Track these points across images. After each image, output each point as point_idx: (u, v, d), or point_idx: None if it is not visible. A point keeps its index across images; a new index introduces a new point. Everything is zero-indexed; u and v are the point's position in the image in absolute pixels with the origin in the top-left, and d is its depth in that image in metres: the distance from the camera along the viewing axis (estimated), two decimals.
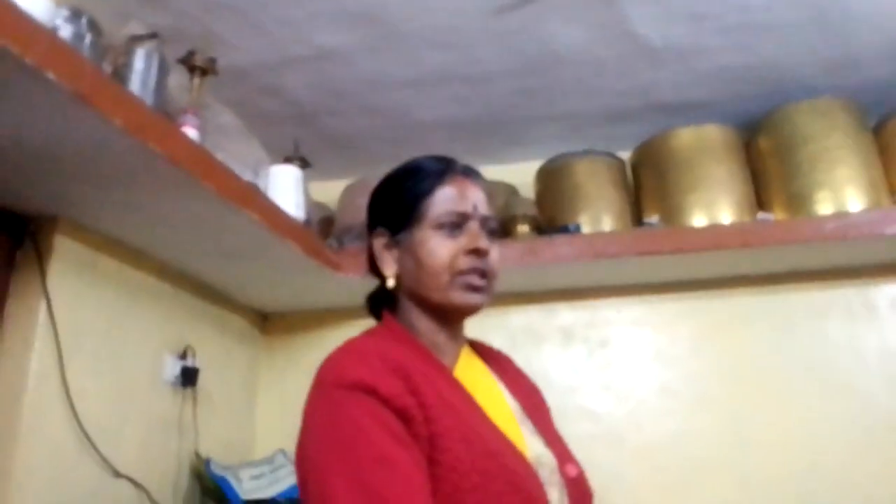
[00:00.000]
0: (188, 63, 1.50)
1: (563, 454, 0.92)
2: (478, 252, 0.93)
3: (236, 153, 1.58)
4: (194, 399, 1.65)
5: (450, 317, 0.96)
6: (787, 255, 1.74)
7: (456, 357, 0.97)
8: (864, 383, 1.78)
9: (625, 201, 1.96)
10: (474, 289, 0.93)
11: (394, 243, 0.97)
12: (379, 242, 0.98)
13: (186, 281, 1.71)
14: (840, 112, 1.79)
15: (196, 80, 1.50)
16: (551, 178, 2.01)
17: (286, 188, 1.62)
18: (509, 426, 0.90)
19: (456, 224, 0.94)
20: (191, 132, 1.35)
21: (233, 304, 1.92)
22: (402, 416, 0.80)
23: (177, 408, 1.61)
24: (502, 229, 1.94)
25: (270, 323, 2.10)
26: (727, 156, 1.86)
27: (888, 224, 1.64)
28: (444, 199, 0.94)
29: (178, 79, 1.51)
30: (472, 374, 0.96)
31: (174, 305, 1.66)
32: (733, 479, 1.75)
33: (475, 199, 0.96)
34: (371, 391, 0.80)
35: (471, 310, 0.95)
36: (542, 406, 1.04)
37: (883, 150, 1.81)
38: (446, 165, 0.98)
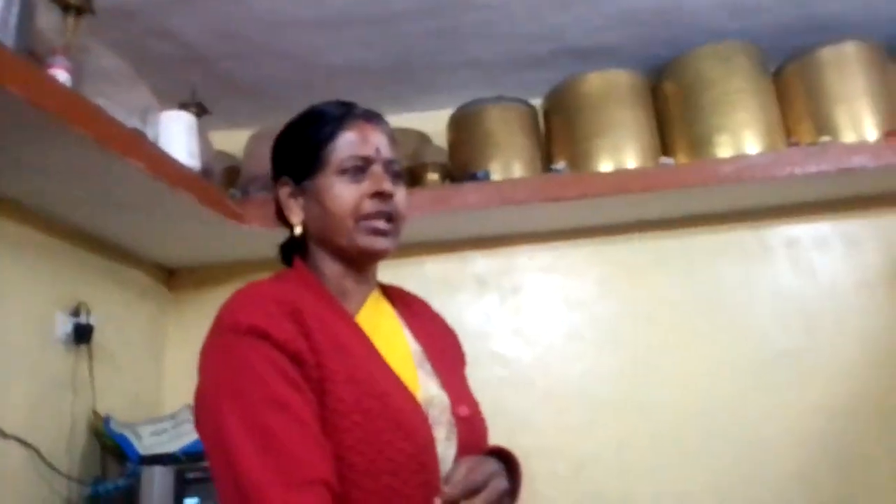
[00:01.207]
0: (60, 1, 1.39)
1: (458, 395, 0.94)
2: (382, 195, 0.93)
3: (120, 99, 1.49)
4: (90, 356, 1.59)
5: (357, 261, 0.96)
6: (687, 198, 1.78)
7: (362, 302, 0.97)
8: (758, 322, 1.86)
9: (535, 148, 1.96)
10: (380, 232, 0.93)
11: (299, 191, 0.97)
12: (284, 191, 0.98)
13: (78, 236, 1.64)
14: (741, 56, 1.81)
15: (70, 20, 1.40)
16: (463, 126, 1.98)
17: (178, 135, 1.54)
18: (405, 368, 0.91)
19: (359, 168, 0.93)
20: (61, 75, 1.26)
21: (133, 258, 1.85)
22: (296, 359, 0.82)
23: (70, 366, 1.55)
24: (413, 177, 1.92)
25: (177, 278, 2.03)
26: (634, 101, 1.87)
27: (782, 166, 1.69)
28: (346, 143, 0.94)
29: (54, 20, 1.41)
30: (375, 317, 0.97)
31: (65, 261, 1.59)
32: (635, 417, 1.83)
33: (377, 143, 0.95)
34: (265, 335, 0.81)
35: (377, 254, 0.96)
36: (451, 350, 1.06)
37: (781, 95, 1.85)
38: (347, 110, 0.97)
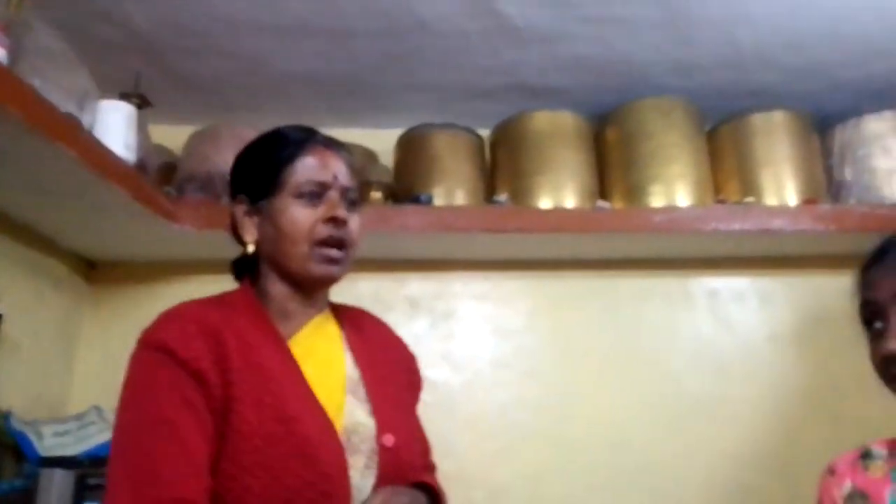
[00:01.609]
0: None
1: (387, 424, 0.94)
2: (336, 221, 0.95)
3: (58, 81, 1.43)
4: None
5: (306, 286, 0.97)
6: (619, 242, 1.85)
7: (304, 324, 0.98)
8: (676, 367, 1.94)
9: (479, 178, 1.99)
10: (332, 261, 0.95)
11: (254, 210, 0.99)
12: (240, 209, 1.00)
13: None
14: (680, 112, 1.91)
15: None
16: (410, 148, 2.00)
17: (116, 126, 1.49)
18: (332, 394, 0.92)
19: (316, 193, 0.96)
20: None
21: (51, 247, 1.75)
22: (198, 378, 0.84)
23: None
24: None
25: (98, 271, 1.94)
26: (577, 143, 1.93)
27: (708, 221, 1.78)
28: (305, 168, 0.96)
29: None
30: (313, 341, 0.98)
31: None
32: (552, 447, 1.86)
33: (336, 170, 0.98)
34: (170, 353, 0.84)
35: (328, 282, 0.98)
36: (398, 377, 1.06)
37: (713, 153, 1.96)
38: (309, 135, 1.01)
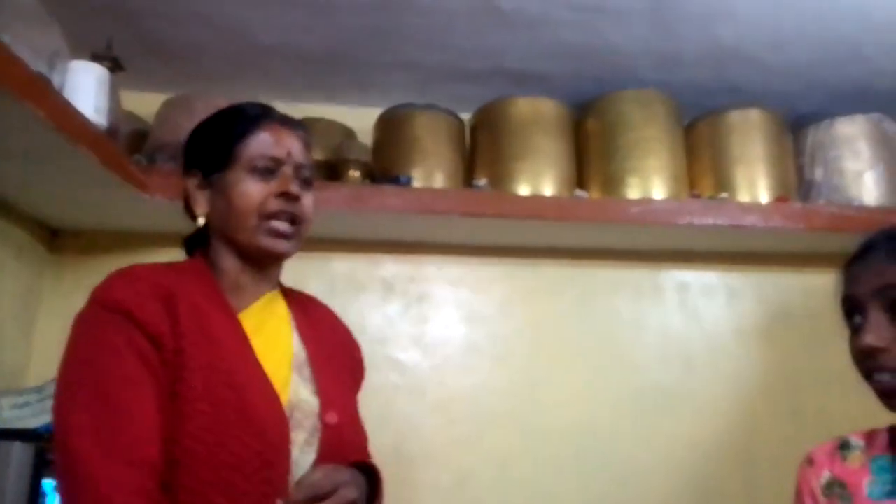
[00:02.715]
0: None
1: (330, 403, 0.94)
2: (288, 195, 0.95)
3: (28, 39, 1.37)
4: None
5: (255, 260, 0.98)
6: (595, 232, 1.86)
7: (254, 299, 0.98)
8: (643, 358, 1.96)
9: (459, 161, 1.98)
10: (281, 235, 0.96)
11: (206, 184, 0.99)
12: (192, 182, 1.00)
13: None
14: (660, 105, 1.92)
15: None
16: (390, 127, 1.97)
17: (86, 88, 1.43)
18: (279, 369, 0.92)
19: (269, 169, 0.96)
20: None
21: (12, 213, 1.68)
22: (155, 342, 0.84)
23: None
24: (334, 172, 1.88)
25: (61, 239, 1.87)
26: (557, 131, 1.93)
27: (682, 215, 1.80)
28: (259, 143, 0.97)
29: None
30: (263, 316, 0.98)
31: None
32: (519, 432, 1.87)
33: (291, 147, 0.98)
34: (129, 314, 0.84)
35: (276, 255, 0.98)
36: (342, 361, 1.07)
37: (690, 148, 1.98)
38: (265, 111, 1.01)
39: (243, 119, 0.99)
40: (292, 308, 1.04)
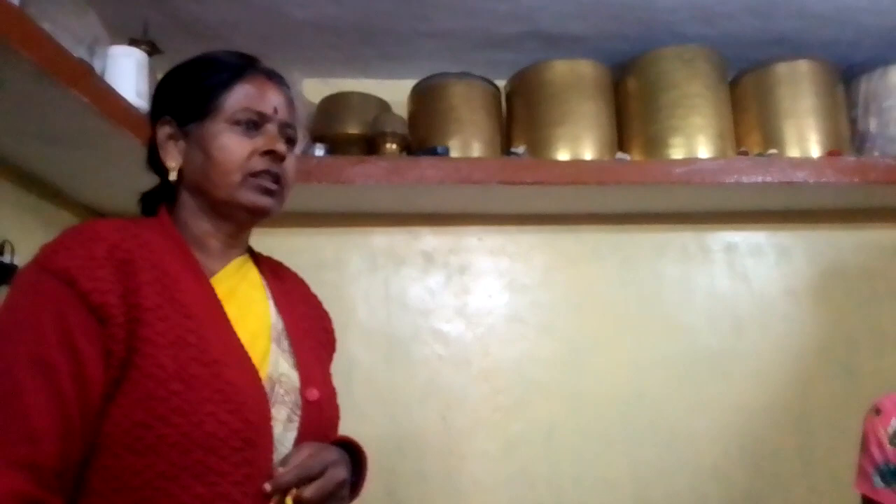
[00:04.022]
0: None
1: (310, 378, 0.89)
2: (274, 154, 0.89)
3: (68, 26, 1.39)
4: None
5: (234, 218, 0.91)
6: (638, 195, 1.82)
7: (225, 263, 0.91)
8: (691, 321, 1.93)
9: (496, 129, 1.95)
10: (267, 191, 0.89)
11: (181, 134, 0.91)
12: (164, 132, 0.92)
13: (6, 168, 1.52)
14: (703, 62, 1.86)
15: None
16: (425, 98, 1.95)
17: (127, 73, 1.45)
18: (257, 340, 0.86)
19: (254, 123, 0.89)
20: None
21: (62, 198, 1.73)
22: (98, 313, 0.75)
23: None
24: (371, 146, 1.88)
25: None
26: (596, 93, 1.88)
27: (730, 174, 1.75)
28: (243, 94, 0.89)
29: None
30: (236, 282, 0.91)
31: None
32: (565, 400, 1.87)
33: (276, 102, 0.91)
34: (70, 282, 0.75)
35: (259, 212, 0.90)
36: (317, 334, 1.01)
37: (735, 104, 1.91)
38: (249, 62, 0.93)
39: (226, 67, 0.91)
40: (265, 274, 0.97)
